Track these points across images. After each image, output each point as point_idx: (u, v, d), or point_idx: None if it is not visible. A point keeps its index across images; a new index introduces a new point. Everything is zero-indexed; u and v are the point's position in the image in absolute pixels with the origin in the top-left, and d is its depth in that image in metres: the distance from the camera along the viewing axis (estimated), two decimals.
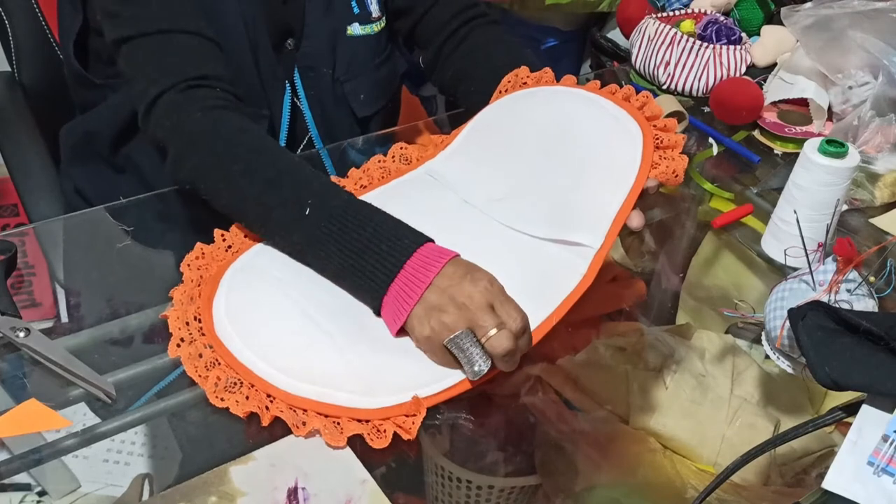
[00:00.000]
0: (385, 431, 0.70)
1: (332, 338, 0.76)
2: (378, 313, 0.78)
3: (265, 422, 0.70)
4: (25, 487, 0.66)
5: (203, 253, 0.84)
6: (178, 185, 0.91)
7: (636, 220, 0.85)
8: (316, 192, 0.81)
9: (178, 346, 0.76)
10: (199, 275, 0.82)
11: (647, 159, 0.85)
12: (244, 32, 0.99)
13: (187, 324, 0.77)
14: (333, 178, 0.95)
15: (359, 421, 0.71)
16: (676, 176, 0.94)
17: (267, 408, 0.71)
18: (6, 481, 0.66)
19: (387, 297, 0.76)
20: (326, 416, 0.71)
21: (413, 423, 0.70)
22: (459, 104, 1.12)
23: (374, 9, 1.09)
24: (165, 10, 0.92)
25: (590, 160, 0.88)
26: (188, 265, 0.83)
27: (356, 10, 1.07)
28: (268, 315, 0.78)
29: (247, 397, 0.71)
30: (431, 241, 0.78)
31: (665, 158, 0.95)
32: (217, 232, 0.86)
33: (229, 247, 0.86)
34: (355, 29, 1.07)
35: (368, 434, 0.70)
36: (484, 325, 0.71)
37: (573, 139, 0.90)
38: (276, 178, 0.82)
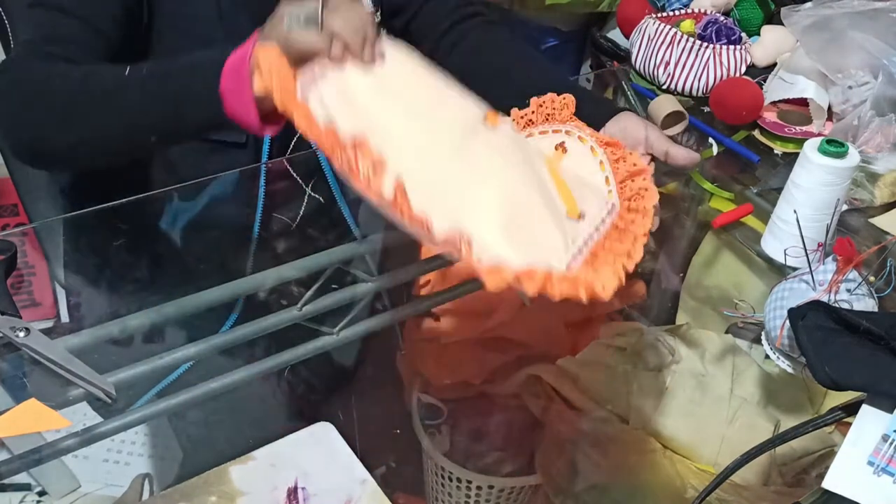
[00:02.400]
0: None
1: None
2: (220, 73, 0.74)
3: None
4: (25, 487, 0.66)
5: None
6: (15, 147, 0.87)
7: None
8: (127, 66, 0.79)
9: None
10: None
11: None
12: (218, 18, 0.98)
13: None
14: None
15: None
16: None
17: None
18: (6, 481, 0.66)
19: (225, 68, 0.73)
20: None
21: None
22: None
23: (367, 3, 1.09)
24: None
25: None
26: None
27: None
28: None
29: None
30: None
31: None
32: None
33: None
34: None
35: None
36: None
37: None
38: (86, 74, 0.81)
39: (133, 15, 0.95)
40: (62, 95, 0.80)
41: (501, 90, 1.05)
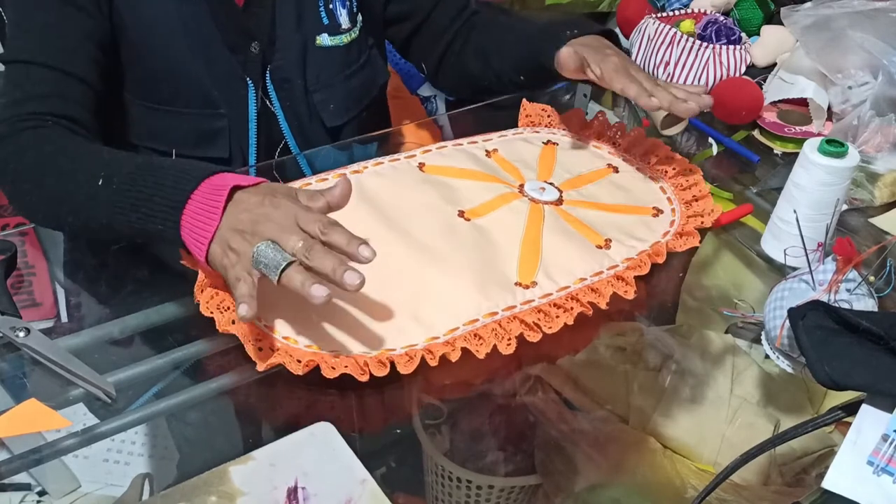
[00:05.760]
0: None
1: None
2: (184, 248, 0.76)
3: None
4: (25, 487, 0.66)
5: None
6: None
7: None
8: (108, 164, 0.80)
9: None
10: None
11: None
12: (181, 31, 0.98)
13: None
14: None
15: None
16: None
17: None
18: (6, 481, 0.66)
19: (183, 231, 0.74)
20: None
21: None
22: (474, 99, 1.13)
23: (344, 20, 1.09)
24: (36, 40, 0.90)
25: None
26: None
27: (325, 21, 1.07)
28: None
29: None
30: (223, 171, 0.76)
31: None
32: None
33: None
34: (324, 40, 1.07)
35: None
36: (289, 243, 0.70)
37: None
38: (71, 168, 0.81)
39: (107, 49, 0.95)
40: (42, 201, 0.83)
41: (505, 74, 1.07)
